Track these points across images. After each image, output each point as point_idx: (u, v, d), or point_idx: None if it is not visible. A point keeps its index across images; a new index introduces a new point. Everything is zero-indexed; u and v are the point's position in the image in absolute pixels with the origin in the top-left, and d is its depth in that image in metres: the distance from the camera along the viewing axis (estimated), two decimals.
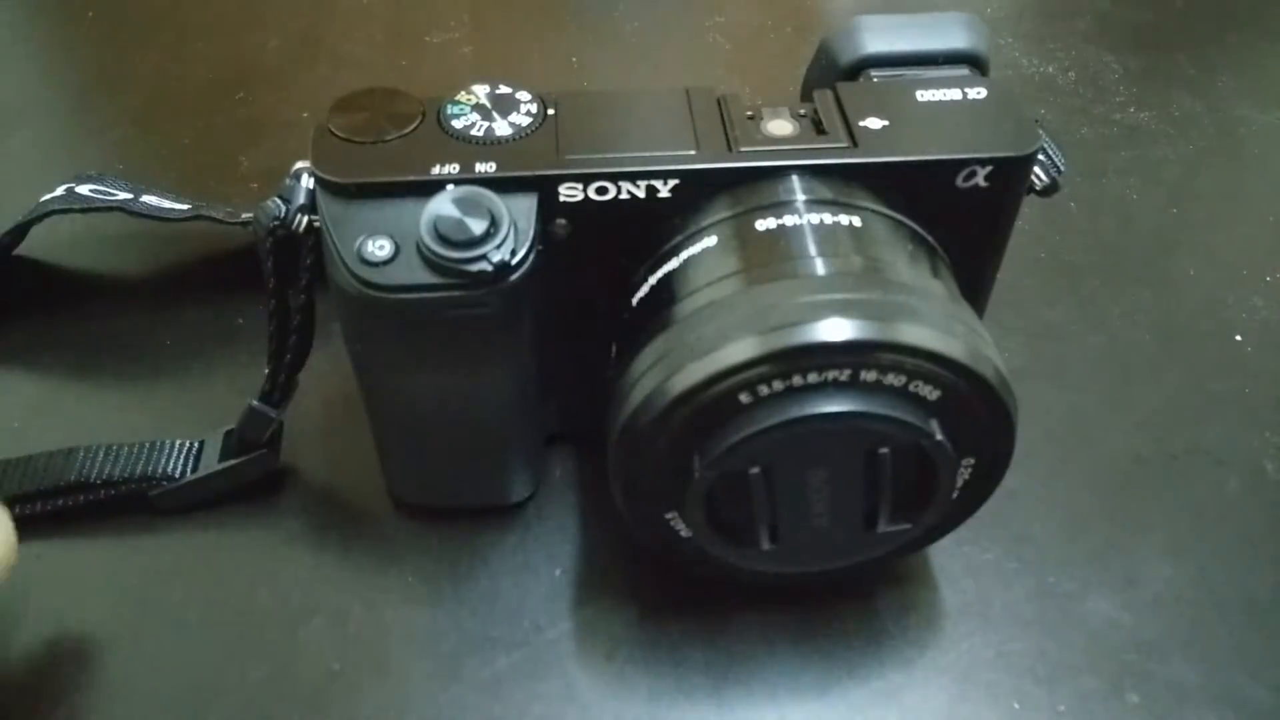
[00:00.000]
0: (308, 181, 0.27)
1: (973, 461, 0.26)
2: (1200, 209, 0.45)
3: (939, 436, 0.24)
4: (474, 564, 0.31)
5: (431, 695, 0.28)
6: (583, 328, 0.29)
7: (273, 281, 0.28)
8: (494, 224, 0.25)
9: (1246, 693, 0.29)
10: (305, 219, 0.27)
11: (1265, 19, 0.58)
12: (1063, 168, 0.29)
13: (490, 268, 0.24)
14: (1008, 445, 0.26)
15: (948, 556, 0.32)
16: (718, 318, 0.24)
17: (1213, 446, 0.35)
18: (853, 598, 0.31)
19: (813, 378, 0.23)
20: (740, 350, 0.23)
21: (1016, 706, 0.28)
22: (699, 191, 0.26)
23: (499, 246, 0.25)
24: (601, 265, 0.27)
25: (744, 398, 0.23)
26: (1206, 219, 0.45)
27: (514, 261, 0.25)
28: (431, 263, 0.25)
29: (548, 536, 0.32)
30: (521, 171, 0.26)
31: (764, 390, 0.23)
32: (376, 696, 0.28)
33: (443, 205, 0.25)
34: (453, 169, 0.26)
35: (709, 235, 0.26)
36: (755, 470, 0.25)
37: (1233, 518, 0.33)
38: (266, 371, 0.30)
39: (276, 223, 0.27)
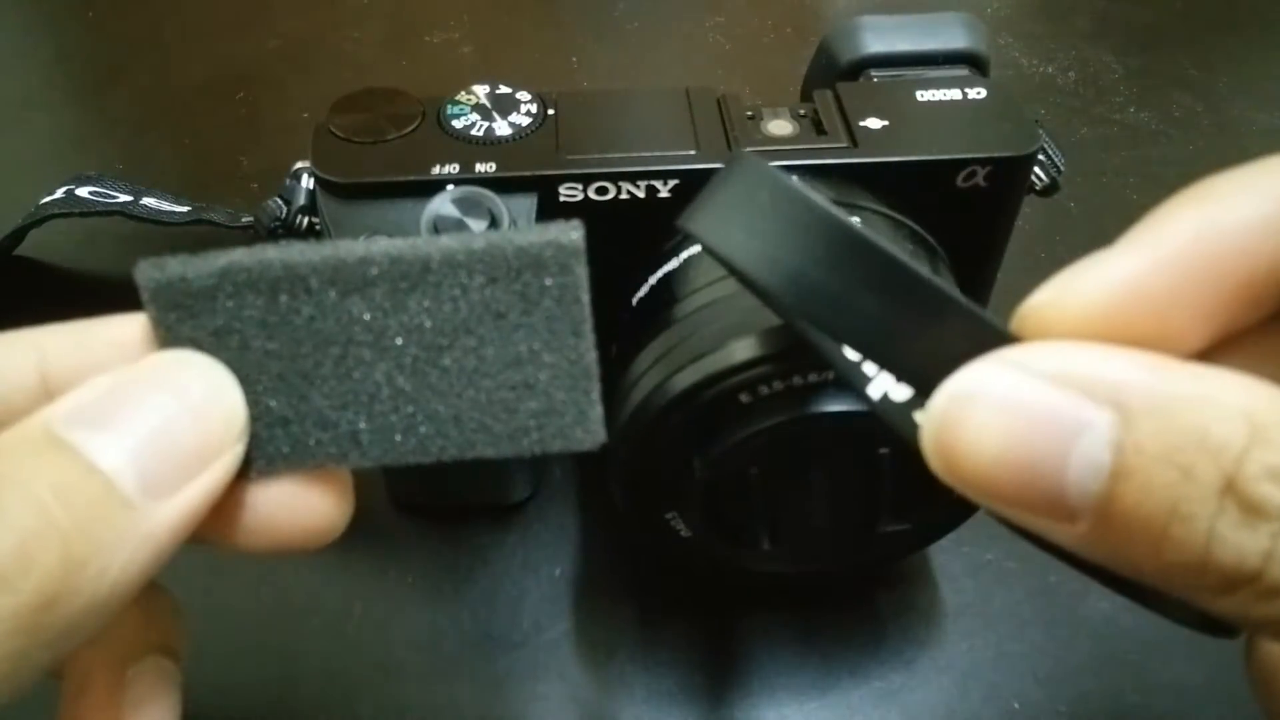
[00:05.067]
0: (308, 182, 0.27)
1: None
2: None
3: None
4: (474, 564, 0.31)
5: (431, 695, 0.28)
6: None
7: None
8: (494, 224, 0.25)
9: (1246, 693, 0.29)
10: (305, 219, 0.27)
11: (1265, 19, 0.58)
12: (1062, 168, 0.29)
13: None
14: None
15: (948, 556, 0.32)
16: (718, 317, 0.24)
17: None
18: (853, 598, 0.31)
19: (813, 377, 0.23)
20: (740, 350, 0.23)
21: (1016, 706, 0.28)
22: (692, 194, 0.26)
23: None
24: (601, 265, 0.27)
25: (744, 397, 0.23)
26: None
27: None
28: None
29: (548, 536, 0.32)
30: (521, 171, 0.26)
31: (764, 390, 0.23)
32: (376, 696, 0.28)
33: (443, 205, 0.25)
34: (453, 169, 0.26)
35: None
36: (755, 470, 0.25)
37: None
38: None
39: (277, 223, 0.27)
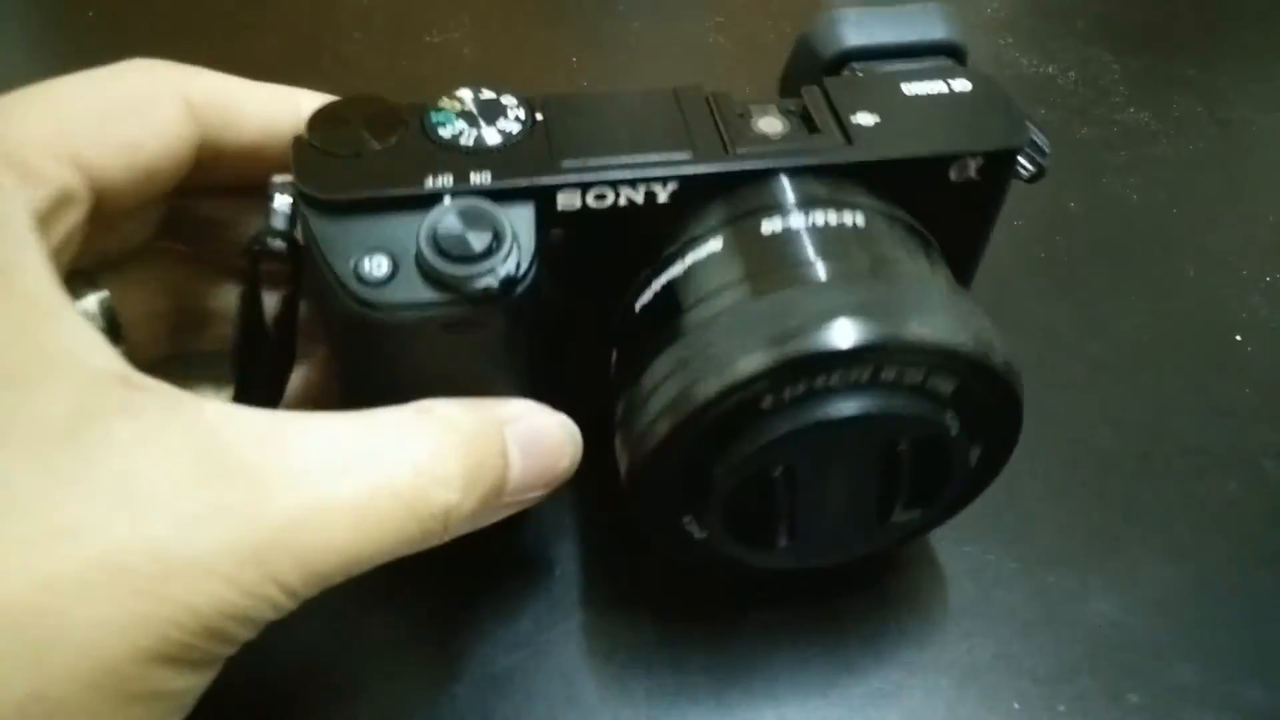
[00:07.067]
0: (283, 200, 0.25)
1: (980, 450, 0.26)
2: (1200, 209, 0.45)
3: (956, 430, 0.24)
4: (474, 563, 0.31)
5: (431, 695, 0.28)
6: (576, 334, 0.29)
7: (246, 307, 0.27)
8: (497, 238, 0.24)
9: (1246, 693, 0.29)
10: (280, 241, 0.26)
11: (1265, 19, 0.58)
12: (1048, 150, 0.29)
13: (497, 283, 0.24)
14: (1014, 432, 0.26)
15: (948, 556, 0.32)
16: (735, 325, 0.24)
17: (1213, 446, 0.35)
18: (853, 598, 0.31)
19: (836, 379, 0.23)
20: (763, 357, 0.23)
21: (1016, 706, 0.28)
22: (698, 195, 0.26)
23: (504, 260, 0.24)
24: (597, 273, 0.27)
25: (767, 402, 0.24)
26: (1206, 219, 0.45)
27: (519, 275, 0.24)
28: (434, 279, 0.23)
29: (548, 536, 0.32)
30: (518, 181, 0.25)
31: (788, 393, 0.23)
32: (376, 697, 0.28)
33: (445, 219, 0.24)
34: (446, 180, 0.25)
35: (713, 240, 0.26)
36: (778, 472, 0.25)
37: (1233, 518, 0.33)
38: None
39: (256, 245, 0.26)
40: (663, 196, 0.26)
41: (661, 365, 0.25)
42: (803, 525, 0.26)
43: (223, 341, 0.29)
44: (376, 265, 0.23)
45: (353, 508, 0.21)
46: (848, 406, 0.24)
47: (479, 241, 0.23)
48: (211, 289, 0.30)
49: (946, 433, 0.25)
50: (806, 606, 0.30)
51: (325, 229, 0.24)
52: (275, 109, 0.26)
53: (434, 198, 0.24)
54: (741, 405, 0.23)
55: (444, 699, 0.28)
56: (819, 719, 0.28)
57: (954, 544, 0.31)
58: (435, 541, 0.23)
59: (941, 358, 0.23)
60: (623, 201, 0.26)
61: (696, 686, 0.29)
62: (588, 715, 0.28)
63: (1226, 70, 0.53)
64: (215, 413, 0.21)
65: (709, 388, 0.23)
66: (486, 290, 0.23)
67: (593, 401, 0.27)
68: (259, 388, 0.29)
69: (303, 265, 0.26)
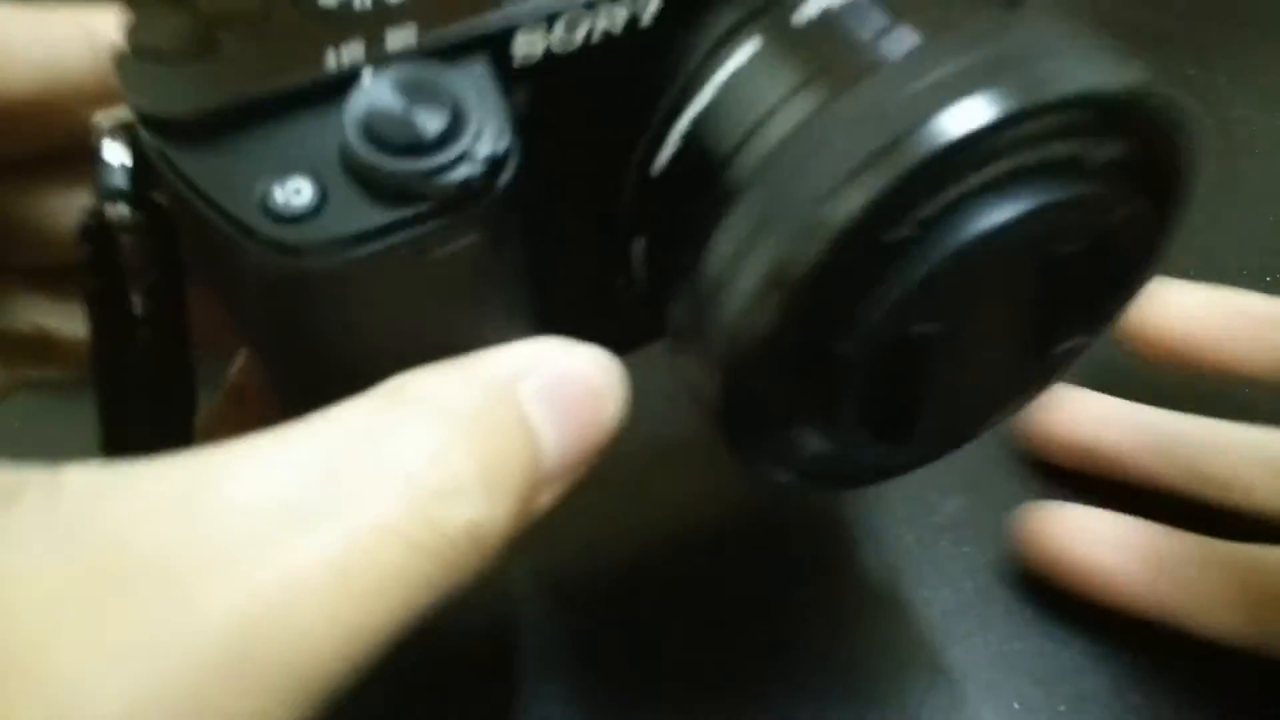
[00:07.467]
0: (115, 150, 0.17)
1: (1145, 227, 0.21)
2: (1200, 209, 0.45)
3: (1125, 209, 0.20)
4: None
5: (430, 697, 0.28)
6: (570, 231, 0.22)
7: (97, 312, 0.19)
8: (457, 111, 0.16)
9: (1246, 692, 0.29)
10: (129, 205, 0.18)
11: (1265, 19, 0.58)
12: None
13: (478, 171, 0.16)
14: (1186, 188, 0.21)
15: (948, 557, 0.32)
16: (818, 147, 0.17)
17: None
18: (853, 599, 0.31)
19: (972, 180, 0.17)
20: (879, 178, 0.16)
21: (1016, 706, 0.28)
22: (690, 5, 0.19)
23: (478, 137, 0.16)
24: (582, 142, 0.20)
25: (889, 236, 0.17)
26: (1206, 219, 0.45)
27: (504, 152, 0.17)
28: (382, 189, 0.16)
29: (547, 535, 0.32)
30: (457, 31, 0.17)
31: (916, 217, 0.17)
32: (372, 700, 0.28)
33: (376, 99, 0.16)
34: (357, 52, 0.17)
35: (741, 47, 0.19)
36: (921, 328, 0.19)
37: (1232, 518, 0.33)
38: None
39: (92, 220, 0.18)
40: (645, 20, 0.19)
41: (732, 232, 0.18)
42: (951, 393, 0.20)
43: (81, 360, 0.21)
44: (293, 192, 0.16)
45: (331, 574, 0.14)
46: (993, 213, 0.17)
47: (435, 120, 0.16)
48: (40, 303, 0.23)
49: (1112, 215, 0.19)
50: (807, 607, 0.30)
51: (198, 162, 0.16)
52: (51, 41, 0.19)
53: (347, 79, 0.16)
54: (862, 251, 0.17)
55: (443, 700, 0.28)
56: (818, 718, 0.28)
57: (954, 544, 0.31)
58: (474, 571, 0.17)
59: (1099, 111, 0.18)
60: (597, 35, 0.19)
61: (697, 687, 0.29)
62: (587, 716, 0.28)
63: (1226, 70, 0.53)
64: (80, 486, 0.13)
65: (820, 239, 0.17)
66: (467, 184, 0.16)
67: (602, 324, 0.20)
68: (151, 419, 0.21)
69: (172, 231, 0.18)
